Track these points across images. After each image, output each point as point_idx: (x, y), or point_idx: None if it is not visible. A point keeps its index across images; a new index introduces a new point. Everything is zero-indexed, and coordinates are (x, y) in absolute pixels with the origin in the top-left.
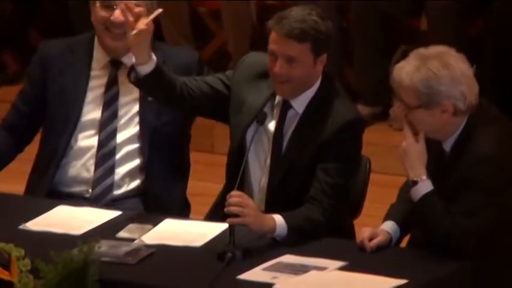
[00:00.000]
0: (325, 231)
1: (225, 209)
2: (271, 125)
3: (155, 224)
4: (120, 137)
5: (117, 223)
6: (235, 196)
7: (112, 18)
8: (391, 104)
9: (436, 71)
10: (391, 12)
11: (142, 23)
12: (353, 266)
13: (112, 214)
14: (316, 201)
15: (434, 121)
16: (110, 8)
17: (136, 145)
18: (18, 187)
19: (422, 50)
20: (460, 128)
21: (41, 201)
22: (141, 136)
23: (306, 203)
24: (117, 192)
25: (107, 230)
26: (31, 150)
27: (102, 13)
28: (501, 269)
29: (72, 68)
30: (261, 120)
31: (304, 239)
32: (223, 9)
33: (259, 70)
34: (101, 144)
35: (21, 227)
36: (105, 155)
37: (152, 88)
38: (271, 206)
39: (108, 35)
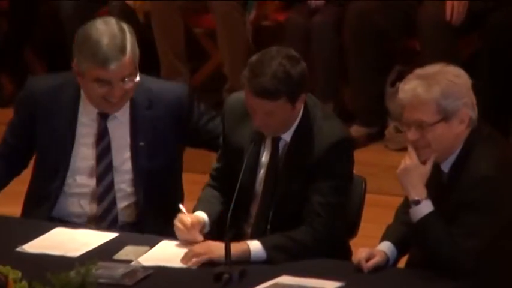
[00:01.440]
0: (321, 250)
1: (192, 263)
2: (264, 156)
3: (152, 245)
4: (117, 185)
5: (114, 245)
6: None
7: (112, 95)
8: (387, 125)
9: (453, 79)
10: (386, 29)
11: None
12: (350, 286)
13: (109, 236)
14: (306, 222)
15: (452, 134)
16: (107, 84)
17: (130, 189)
18: (13, 209)
19: (420, 70)
20: (459, 148)
21: (39, 224)
22: (135, 182)
23: (295, 228)
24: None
25: (103, 252)
26: (27, 171)
27: (100, 90)
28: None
29: (59, 112)
30: (256, 140)
31: (291, 258)
32: (218, 30)
33: (242, 111)
34: (102, 196)
35: (18, 249)
36: (109, 205)
37: None
38: (262, 234)
39: (106, 104)
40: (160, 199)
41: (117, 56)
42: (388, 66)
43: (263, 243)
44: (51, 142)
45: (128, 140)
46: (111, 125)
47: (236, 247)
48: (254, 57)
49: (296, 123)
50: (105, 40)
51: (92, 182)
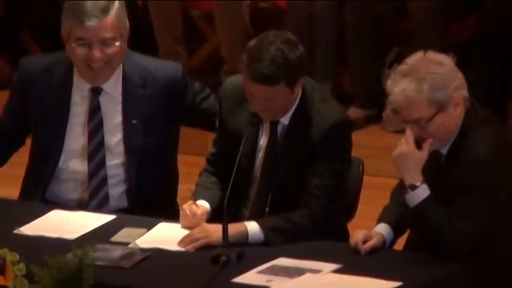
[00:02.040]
0: (318, 232)
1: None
2: (263, 139)
3: (149, 227)
4: (109, 166)
5: (111, 227)
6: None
7: (91, 56)
8: (384, 107)
9: (436, 70)
10: (383, 13)
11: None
12: (347, 268)
13: (106, 218)
14: (304, 204)
15: (451, 120)
16: (87, 45)
17: (122, 170)
18: (12, 192)
19: (402, 67)
20: (457, 130)
21: (36, 206)
22: (127, 163)
23: (293, 210)
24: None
25: (101, 234)
26: (24, 154)
27: (80, 51)
28: (494, 269)
29: (52, 94)
30: (253, 123)
31: (288, 240)
32: (216, 12)
33: (238, 95)
34: (92, 174)
35: (15, 231)
36: (98, 184)
37: None
38: (260, 217)
39: (89, 71)
40: (154, 180)
41: (97, 14)
42: (386, 48)
43: (261, 224)
44: (45, 123)
45: (120, 117)
46: (104, 102)
47: (234, 228)
48: (252, 42)
49: (294, 106)
50: (89, 2)
51: (84, 166)
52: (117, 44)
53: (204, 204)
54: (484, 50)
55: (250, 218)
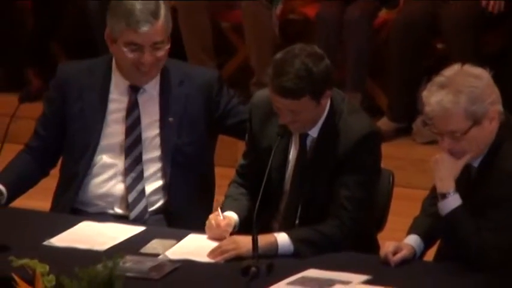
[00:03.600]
0: (347, 244)
1: (220, 258)
2: (292, 152)
3: (179, 239)
4: (145, 160)
5: (141, 238)
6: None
7: (143, 61)
8: (415, 118)
9: (474, 84)
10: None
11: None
12: (377, 280)
13: (136, 230)
14: (333, 216)
15: (485, 134)
16: (139, 50)
17: (159, 166)
18: (43, 203)
19: (440, 78)
20: (490, 144)
21: (66, 217)
22: (163, 157)
23: (323, 221)
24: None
25: (131, 246)
26: (56, 166)
27: (131, 55)
28: None
29: (90, 91)
30: (283, 133)
31: (318, 252)
32: (245, 23)
33: (268, 108)
34: (129, 169)
35: (45, 243)
36: (135, 179)
37: None
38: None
39: (137, 72)
40: (190, 183)
41: (149, 19)
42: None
43: (290, 235)
44: (82, 122)
45: (158, 115)
46: (142, 99)
47: (263, 240)
48: (277, 56)
49: (323, 118)
50: (138, 5)
51: (121, 160)
52: (167, 47)
53: (231, 216)
54: None
55: (279, 230)
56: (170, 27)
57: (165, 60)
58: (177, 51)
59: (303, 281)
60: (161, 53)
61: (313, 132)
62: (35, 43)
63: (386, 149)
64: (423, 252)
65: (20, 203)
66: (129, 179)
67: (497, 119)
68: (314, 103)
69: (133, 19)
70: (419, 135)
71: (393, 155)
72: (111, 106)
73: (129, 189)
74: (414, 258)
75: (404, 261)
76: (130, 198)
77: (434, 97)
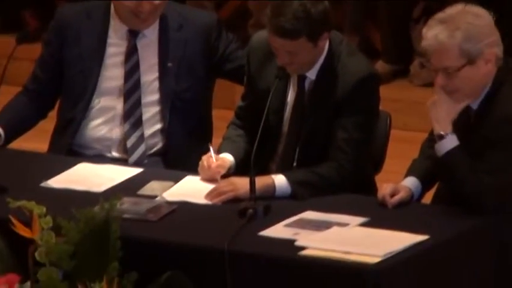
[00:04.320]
0: (345, 186)
1: (217, 200)
2: (290, 94)
3: (176, 181)
4: (144, 104)
5: (138, 180)
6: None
7: (141, 8)
8: (412, 60)
9: (473, 21)
10: None
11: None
12: (374, 222)
13: (133, 171)
14: (331, 158)
15: (480, 75)
16: None
17: (157, 109)
18: (41, 145)
19: (441, 14)
20: (489, 85)
21: (63, 159)
22: (162, 101)
23: (320, 164)
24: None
25: (128, 187)
26: (54, 109)
27: (129, 3)
28: None
29: (89, 34)
30: (281, 76)
31: (315, 193)
32: None
33: (266, 50)
34: (128, 114)
35: (42, 184)
36: (134, 124)
37: None
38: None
39: (136, 19)
40: (188, 126)
41: None
42: (413, 3)
43: (288, 177)
44: (80, 65)
45: (156, 59)
46: (140, 44)
47: (261, 181)
48: None
49: (321, 61)
50: None
51: (119, 104)
52: None
53: (227, 158)
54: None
55: (277, 172)
56: None
57: (163, 7)
58: None
59: (301, 222)
60: (159, 1)
61: (311, 74)
62: None
63: (383, 91)
64: (421, 195)
65: (17, 144)
66: (127, 124)
67: (494, 62)
68: (311, 44)
69: None
70: (416, 77)
71: (390, 97)
72: (110, 50)
73: (127, 134)
74: (412, 201)
75: (401, 203)
76: (129, 143)
77: (432, 31)
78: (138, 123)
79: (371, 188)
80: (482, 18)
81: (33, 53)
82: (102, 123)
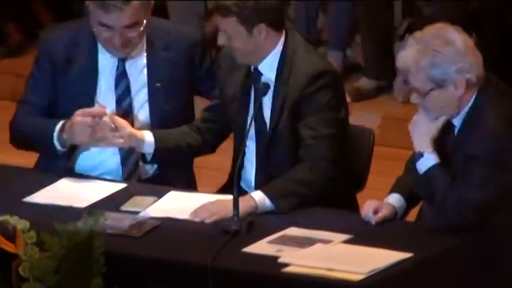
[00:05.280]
0: (322, 184)
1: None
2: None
3: (160, 196)
4: (136, 127)
5: (121, 196)
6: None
7: (114, 41)
8: (395, 77)
9: (440, 49)
10: None
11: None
12: (358, 239)
13: (117, 187)
14: (302, 159)
15: (450, 99)
16: (110, 30)
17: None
18: (27, 160)
19: (418, 33)
20: (470, 102)
21: (46, 174)
22: (153, 123)
23: (294, 169)
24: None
25: (111, 203)
26: None
27: (103, 34)
28: (500, 240)
29: (78, 61)
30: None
31: (301, 200)
32: None
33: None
34: None
35: (25, 199)
36: (128, 151)
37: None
38: (261, 177)
39: (113, 49)
40: None
41: (118, 4)
42: (398, 20)
43: (267, 194)
44: (72, 90)
45: (145, 80)
46: (129, 67)
47: (243, 203)
48: None
49: (276, 60)
50: None
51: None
52: (141, 28)
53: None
54: (493, 20)
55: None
56: (148, 4)
57: (141, 38)
58: None
59: (284, 239)
60: (133, 34)
61: (268, 73)
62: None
63: (366, 106)
64: (405, 212)
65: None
66: (123, 151)
67: (465, 87)
68: (243, 30)
69: (103, 2)
70: (400, 94)
71: (374, 113)
72: (103, 71)
73: (124, 161)
74: (396, 218)
75: (385, 220)
76: (127, 172)
77: (403, 51)
78: (132, 150)
79: (352, 206)
80: (452, 45)
81: (16, 66)
82: (98, 151)
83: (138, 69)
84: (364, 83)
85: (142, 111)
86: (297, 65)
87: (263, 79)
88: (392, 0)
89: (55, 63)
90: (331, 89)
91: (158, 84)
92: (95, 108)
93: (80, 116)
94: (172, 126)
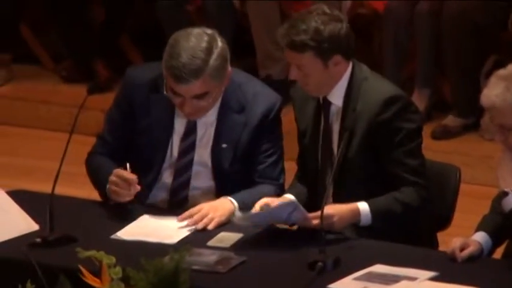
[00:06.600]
0: (422, 211)
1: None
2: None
3: (246, 232)
4: (192, 187)
5: (207, 231)
6: None
7: (184, 108)
8: (483, 115)
9: None
10: (483, 24)
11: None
12: (444, 276)
13: None
14: (408, 183)
15: None
16: (181, 97)
17: (205, 190)
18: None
19: (502, 71)
20: None
21: (124, 209)
22: (215, 185)
23: (397, 190)
24: None
25: (197, 239)
26: None
27: (175, 99)
28: None
29: (158, 106)
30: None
31: (394, 224)
32: None
33: (303, 95)
34: (174, 192)
35: (113, 236)
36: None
37: None
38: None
39: (185, 114)
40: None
41: (188, 79)
42: (484, 57)
43: (370, 206)
44: (150, 133)
45: (212, 140)
46: (200, 123)
47: (346, 207)
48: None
49: (344, 86)
50: (184, 57)
51: (168, 179)
52: (211, 99)
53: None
54: None
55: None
56: (222, 74)
57: (213, 105)
58: (246, 41)
59: (369, 276)
60: (204, 103)
61: (337, 101)
62: (105, 35)
63: (453, 145)
64: (491, 251)
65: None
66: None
67: None
68: (319, 62)
69: (174, 71)
70: (487, 131)
71: (460, 151)
72: (178, 121)
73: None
74: (481, 256)
75: (471, 258)
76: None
77: (488, 89)
78: (184, 201)
79: (433, 243)
80: None
81: (103, 103)
82: (160, 195)
83: (208, 127)
84: (451, 120)
85: (203, 169)
86: (367, 91)
87: (333, 108)
88: (479, 37)
89: (133, 107)
90: (406, 114)
91: (224, 145)
92: (128, 174)
93: (114, 176)
94: (231, 188)
